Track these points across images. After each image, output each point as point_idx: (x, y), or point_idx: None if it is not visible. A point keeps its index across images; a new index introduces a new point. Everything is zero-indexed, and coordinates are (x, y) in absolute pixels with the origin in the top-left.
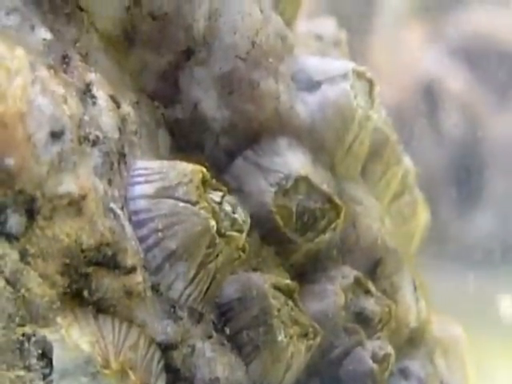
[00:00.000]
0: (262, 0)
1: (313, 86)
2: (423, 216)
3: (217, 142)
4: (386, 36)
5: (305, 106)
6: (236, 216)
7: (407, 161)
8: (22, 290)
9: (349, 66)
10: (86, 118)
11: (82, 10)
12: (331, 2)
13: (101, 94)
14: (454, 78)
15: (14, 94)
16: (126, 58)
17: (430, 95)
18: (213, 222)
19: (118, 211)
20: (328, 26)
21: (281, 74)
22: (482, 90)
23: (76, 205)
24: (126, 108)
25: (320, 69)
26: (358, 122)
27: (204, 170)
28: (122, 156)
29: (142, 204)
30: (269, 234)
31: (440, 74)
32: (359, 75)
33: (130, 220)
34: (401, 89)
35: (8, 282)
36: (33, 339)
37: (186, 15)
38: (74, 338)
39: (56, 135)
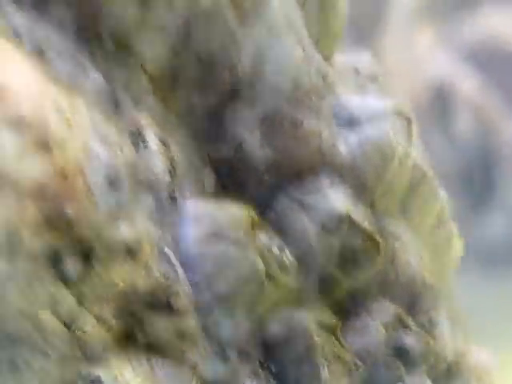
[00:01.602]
0: (304, 39)
1: (353, 123)
2: (458, 248)
3: (260, 180)
4: (397, 37)
5: (346, 144)
6: (284, 258)
7: (443, 194)
8: (78, 332)
9: (388, 104)
10: (139, 163)
11: (131, 52)
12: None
13: (151, 137)
14: (466, 81)
15: (74, 145)
16: (173, 98)
17: (442, 97)
18: (262, 265)
19: (171, 255)
20: (365, 58)
21: (323, 112)
22: (493, 93)
23: (132, 250)
24: (175, 150)
25: (360, 106)
26: (398, 159)
27: (252, 211)
28: (174, 199)
29: (192, 247)
30: (311, 271)
31: (452, 77)
32: (398, 113)
33: (181, 263)
34: (412, 90)
35: (64, 324)
36: (87, 379)
37: (232, 56)
38: (127, 378)
39: (113, 183)
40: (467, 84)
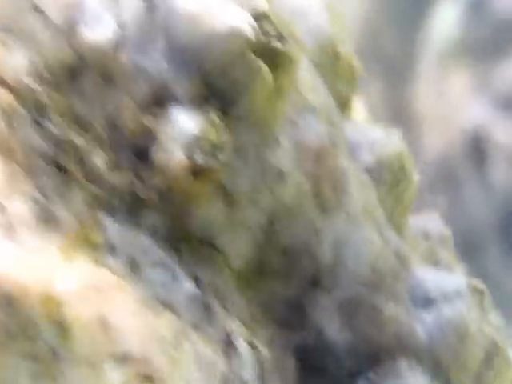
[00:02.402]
0: (380, 220)
1: (429, 303)
2: None
3: (339, 364)
4: (430, 82)
5: (422, 325)
6: None
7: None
8: None
9: (462, 280)
10: (231, 374)
11: (218, 251)
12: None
13: (241, 343)
14: (503, 130)
15: (175, 379)
16: (256, 290)
17: (478, 146)
18: None
19: None
20: (434, 221)
21: (399, 294)
22: None
23: None
24: (263, 351)
25: (435, 285)
26: (472, 337)
27: None
28: None
29: None
30: None
31: (487, 125)
32: (472, 289)
33: None
34: (447, 139)
35: None
36: None
37: (313, 246)
38: None
39: None
40: (504, 133)
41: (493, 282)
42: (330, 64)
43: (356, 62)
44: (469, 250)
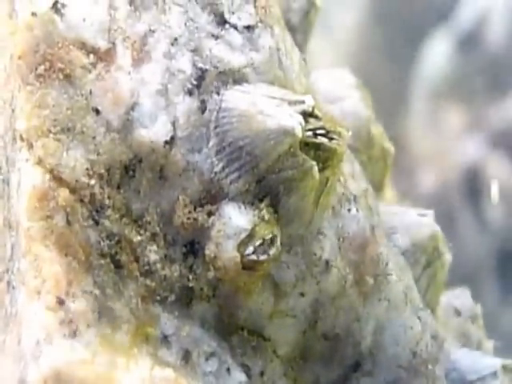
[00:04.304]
0: (419, 307)
1: None
2: None
3: None
4: (424, 118)
5: None
6: None
7: None
8: None
9: (497, 363)
10: None
11: (265, 340)
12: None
13: None
14: (497, 166)
15: None
16: (300, 374)
17: (473, 183)
18: None
19: None
20: (464, 297)
21: (438, 377)
22: None
23: None
24: None
25: (471, 367)
26: None
27: None
28: None
29: None
30: None
31: (482, 162)
32: (506, 369)
33: None
34: (441, 176)
35: None
36: None
37: (355, 333)
38: None
39: None
40: (498, 170)
41: (490, 319)
42: (365, 148)
43: (387, 144)
44: (465, 286)
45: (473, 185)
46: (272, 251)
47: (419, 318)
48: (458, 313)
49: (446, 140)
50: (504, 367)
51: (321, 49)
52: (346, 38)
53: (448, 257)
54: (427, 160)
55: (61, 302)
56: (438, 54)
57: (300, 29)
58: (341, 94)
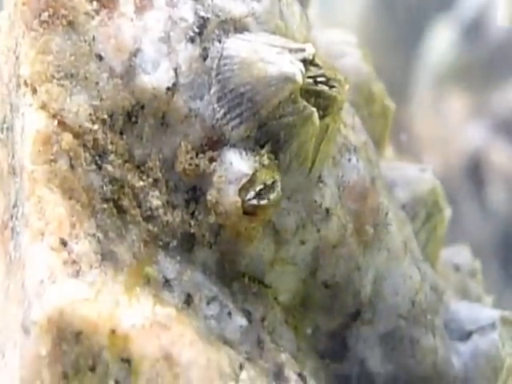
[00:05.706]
0: (419, 259)
1: (464, 335)
2: None
3: None
4: (428, 104)
5: (458, 356)
6: None
7: None
8: None
9: (495, 314)
10: None
11: (266, 286)
12: None
13: (291, 375)
14: (500, 152)
15: None
16: (302, 323)
17: (475, 169)
18: None
19: None
20: (464, 254)
21: (437, 327)
22: None
23: None
24: (311, 382)
25: (470, 318)
26: (506, 370)
27: None
28: None
29: None
30: None
31: (485, 147)
32: (505, 321)
33: None
34: (444, 162)
35: None
36: None
37: (355, 282)
38: None
39: None
40: (501, 155)
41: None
42: (366, 103)
43: (388, 101)
44: None
45: (476, 170)
46: (272, 196)
47: (419, 268)
48: (457, 268)
49: (450, 126)
50: (503, 318)
51: None
52: (349, 24)
53: (448, 212)
54: (430, 146)
55: (64, 243)
56: (442, 40)
57: None
58: (342, 50)
